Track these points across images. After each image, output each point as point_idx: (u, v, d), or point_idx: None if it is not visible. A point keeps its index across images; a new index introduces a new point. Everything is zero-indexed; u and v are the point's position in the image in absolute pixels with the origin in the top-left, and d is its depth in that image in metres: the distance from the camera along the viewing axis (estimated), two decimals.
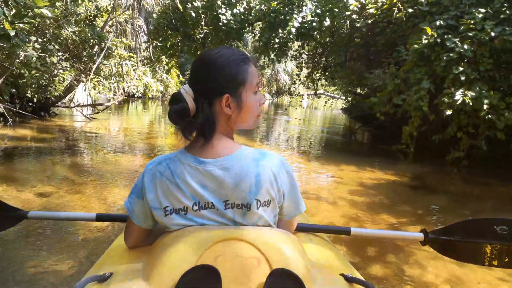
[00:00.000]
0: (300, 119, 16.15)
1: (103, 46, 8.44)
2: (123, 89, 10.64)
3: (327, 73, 11.17)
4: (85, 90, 9.18)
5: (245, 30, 10.12)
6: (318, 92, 48.62)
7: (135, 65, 19.53)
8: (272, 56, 9.76)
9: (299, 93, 14.16)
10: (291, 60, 12.26)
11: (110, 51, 8.92)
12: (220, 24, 9.72)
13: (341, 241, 3.07)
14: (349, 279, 1.06)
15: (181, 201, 1.06)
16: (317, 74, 12.03)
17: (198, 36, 11.27)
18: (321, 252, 1.35)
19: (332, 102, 26.60)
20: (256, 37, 10.55)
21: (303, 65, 12.39)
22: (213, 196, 1.06)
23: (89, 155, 6.29)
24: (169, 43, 10.98)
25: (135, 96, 20.05)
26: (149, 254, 1.07)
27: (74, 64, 8.66)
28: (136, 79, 19.53)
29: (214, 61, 1.08)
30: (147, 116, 14.80)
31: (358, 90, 15.78)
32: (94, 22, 8.68)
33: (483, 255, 1.54)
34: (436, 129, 6.94)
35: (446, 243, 1.58)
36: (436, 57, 6.58)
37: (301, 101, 45.33)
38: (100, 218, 1.55)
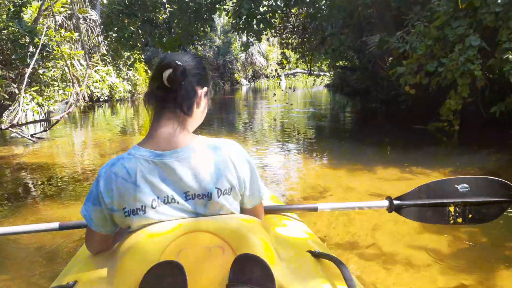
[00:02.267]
0: (291, 103, 14.35)
1: (37, 44, 6.42)
2: (76, 95, 8.55)
3: (324, 46, 9.28)
4: (18, 104, 7.02)
5: (219, 5, 8.21)
6: (295, 70, 47.19)
7: (95, 65, 17.42)
8: (254, 29, 7.84)
9: (277, 74, 12.27)
10: (274, 36, 10.41)
11: (49, 50, 6.89)
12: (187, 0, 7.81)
13: (312, 218, 3.04)
14: (316, 255, 1.12)
15: (139, 199, 1.03)
16: (307, 49, 10.21)
17: (161, 19, 9.32)
18: (289, 231, 1.39)
19: (314, 80, 25.10)
20: (232, 13, 8.61)
21: (290, 40, 10.57)
22: (173, 188, 1.04)
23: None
24: (127, 33, 8.99)
25: (101, 100, 17.84)
26: (113, 258, 1.05)
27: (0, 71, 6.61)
28: (100, 80, 17.39)
29: (200, 59, 1.17)
30: (117, 121, 12.83)
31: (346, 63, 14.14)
32: (22, 14, 6.61)
33: (448, 214, 1.57)
34: (490, 99, 5.30)
35: (410, 208, 1.60)
36: (483, 3, 4.88)
37: (279, 83, 43.94)
38: (63, 227, 1.54)
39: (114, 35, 9.01)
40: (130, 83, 19.43)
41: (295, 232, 1.39)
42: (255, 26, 7.85)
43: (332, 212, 3.15)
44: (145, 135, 1.12)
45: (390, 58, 10.34)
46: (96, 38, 14.42)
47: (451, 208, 1.57)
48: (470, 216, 1.58)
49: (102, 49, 14.54)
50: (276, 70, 12.33)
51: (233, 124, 10.51)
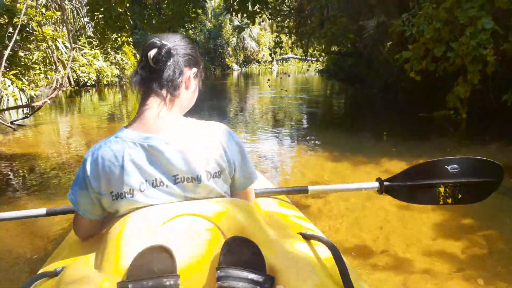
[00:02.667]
0: (285, 90, 13.94)
1: (17, 24, 5.93)
2: (59, 80, 8.06)
3: (323, 29, 8.83)
4: None
5: None
6: (287, 56, 46.22)
7: (81, 49, 16.79)
8: (249, 9, 7.37)
9: (272, 58, 11.79)
10: (269, 19, 9.97)
11: (30, 31, 6.39)
12: None
13: (302, 200, 3.07)
14: (307, 236, 1.10)
15: (127, 183, 1.00)
16: (304, 32, 9.80)
17: (150, 1, 8.85)
18: (280, 213, 1.40)
19: (309, 65, 24.62)
20: None
21: (286, 23, 10.13)
22: (161, 172, 1.01)
23: None
24: (114, 14, 8.49)
25: (88, 85, 17.24)
26: (101, 243, 1.01)
27: None
28: (87, 64, 16.79)
29: (189, 40, 1.13)
30: (105, 106, 12.34)
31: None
32: None
33: (438, 195, 1.57)
34: (500, 86, 5.02)
35: (401, 189, 1.60)
36: None
37: (271, 68, 43.34)
38: (51, 212, 1.51)
39: (100, 16, 8.50)
40: (118, 67, 18.84)
41: (286, 215, 1.39)
42: (249, 6, 7.42)
43: (324, 195, 3.18)
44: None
45: (389, 43, 10.03)
46: (82, 19, 13.80)
47: (441, 189, 1.57)
48: (459, 196, 1.58)
49: (89, 31, 13.93)
50: (270, 55, 11.76)
51: (225, 111, 10.13)
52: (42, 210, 1.51)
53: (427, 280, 2.11)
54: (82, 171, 1.06)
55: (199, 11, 9.06)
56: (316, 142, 5.80)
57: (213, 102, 12.03)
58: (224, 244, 0.90)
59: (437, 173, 1.58)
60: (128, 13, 8.85)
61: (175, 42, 1.09)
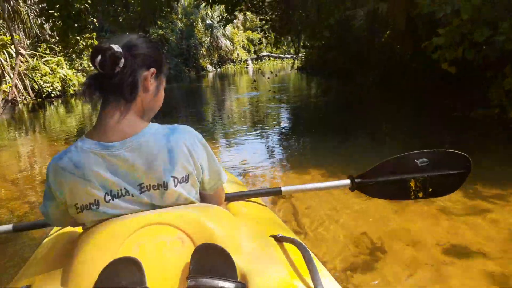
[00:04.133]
0: (273, 91, 12.89)
1: None
2: (6, 92, 6.74)
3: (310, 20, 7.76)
4: None
5: None
6: (262, 54, 45.30)
7: (43, 56, 15.26)
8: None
9: (256, 54, 10.70)
10: (252, 11, 8.88)
11: None
12: None
13: (276, 202, 3.08)
14: (279, 239, 1.11)
15: (91, 194, 0.97)
16: (291, 26, 8.71)
17: None
18: (252, 217, 1.39)
19: (293, 62, 23.70)
20: None
21: (269, 16, 9.03)
22: (126, 181, 0.98)
23: None
24: (73, 10, 7.21)
25: (52, 96, 15.69)
26: (68, 258, 0.99)
27: None
28: (50, 73, 15.25)
29: (148, 39, 1.09)
30: (73, 119, 11.01)
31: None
32: None
33: (409, 189, 1.59)
34: None
35: (372, 185, 1.62)
36: None
37: (246, 67, 42.44)
38: (18, 228, 1.49)
39: (56, 14, 7.21)
40: (85, 74, 17.33)
41: (258, 217, 1.39)
42: None
43: (297, 195, 3.16)
44: None
45: (388, 32, 9.11)
46: (40, 21, 12.34)
47: (412, 183, 1.59)
48: (430, 189, 1.60)
49: (45, 34, 12.48)
50: (255, 52, 10.68)
51: (202, 117, 9.03)
52: (9, 227, 1.48)
53: (403, 278, 2.07)
54: (47, 184, 1.03)
55: (175, 3, 7.86)
56: (300, 150, 5.44)
57: (190, 108, 10.97)
58: (194, 252, 0.88)
59: (407, 168, 1.58)
60: (90, 10, 7.59)
61: (129, 42, 1.03)
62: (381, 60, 8.86)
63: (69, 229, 1.36)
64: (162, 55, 1.13)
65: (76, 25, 7.49)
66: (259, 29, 9.85)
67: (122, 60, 0.98)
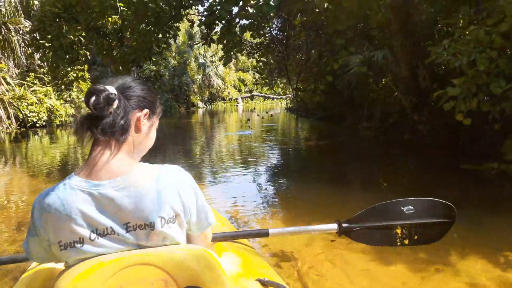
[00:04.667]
0: (267, 130, 12.64)
1: None
2: None
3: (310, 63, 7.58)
4: None
5: (187, 9, 6.38)
6: (253, 94, 45.98)
7: (32, 85, 14.89)
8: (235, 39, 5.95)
9: (255, 89, 10.48)
10: (250, 52, 8.72)
11: None
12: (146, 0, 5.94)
13: (263, 243, 3.08)
14: (265, 283, 1.12)
15: (75, 232, 0.96)
16: (289, 66, 8.54)
17: (109, 28, 7.39)
18: (240, 259, 1.39)
19: (287, 104, 23.70)
20: (203, 20, 6.79)
21: (266, 58, 8.88)
22: (112, 220, 0.97)
23: None
24: (65, 42, 6.93)
25: (37, 125, 15.19)
26: None
27: None
28: (37, 103, 14.83)
29: (143, 81, 1.12)
30: (56, 150, 10.45)
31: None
32: None
33: (395, 236, 1.60)
34: None
35: (359, 230, 1.62)
36: None
37: (236, 105, 42.63)
38: None
39: (47, 45, 6.92)
40: (73, 105, 16.94)
41: (245, 260, 1.38)
42: (238, 33, 6.09)
43: (285, 238, 3.15)
44: None
45: (386, 79, 9.00)
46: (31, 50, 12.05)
47: (398, 230, 1.60)
48: (416, 237, 1.60)
49: (35, 64, 12.16)
50: (251, 91, 10.41)
51: (191, 155, 8.63)
52: None
53: None
54: (32, 220, 1.01)
55: (171, 40, 7.65)
56: (291, 192, 5.25)
57: (179, 145, 10.59)
58: None
59: (394, 215, 1.60)
60: (83, 42, 7.32)
61: (124, 84, 1.05)
62: (379, 106, 8.67)
63: (49, 265, 1.33)
64: (156, 96, 1.14)
65: (67, 56, 7.19)
66: (253, 70, 9.67)
67: (116, 101, 0.99)
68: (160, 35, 7.36)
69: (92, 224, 0.96)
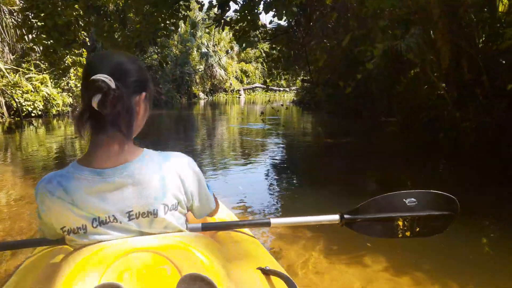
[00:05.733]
0: (283, 126, 11.95)
1: None
2: None
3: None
4: None
5: None
6: (254, 85, 45.64)
7: (27, 72, 14.04)
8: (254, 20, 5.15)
9: (272, 79, 9.79)
10: (264, 41, 7.91)
11: None
12: None
13: (265, 233, 3.11)
14: (266, 272, 1.11)
15: (78, 219, 0.97)
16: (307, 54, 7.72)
17: (111, 7, 6.59)
18: (241, 248, 1.39)
19: (295, 96, 22.97)
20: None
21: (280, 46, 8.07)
22: (115, 208, 0.98)
23: None
24: (61, 21, 6.11)
25: (32, 115, 14.33)
26: (50, 281, 0.95)
27: None
28: (32, 91, 13.98)
29: (135, 58, 1.06)
30: (53, 141, 9.70)
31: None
32: None
33: (396, 228, 1.60)
34: None
35: (361, 222, 1.62)
36: None
37: (238, 97, 41.90)
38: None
39: (39, 24, 6.10)
40: (71, 94, 16.10)
41: (246, 249, 1.39)
42: (261, 10, 5.25)
43: (287, 227, 3.07)
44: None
45: (414, 70, 8.18)
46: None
47: (400, 222, 1.60)
48: (417, 229, 1.60)
49: (25, 47, 11.31)
50: (265, 82, 9.67)
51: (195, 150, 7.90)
52: None
53: None
54: (37, 202, 1.02)
55: (184, 18, 6.82)
56: (295, 183, 5.25)
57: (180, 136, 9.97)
58: (179, 282, 0.84)
59: (396, 207, 1.59)
60: (81, 23, 6.50)
61: (120, 70, 0.98)
62: (407, 100, 7.87)
63: (52, 249, 1.34)
64: (147, 73, 1.09)
65: (63, 38, 6.37)
66: (264, 60, 8.89)
67: (118, 95, 0.95)
68: (168, 15, 6.54)
69: (94, 212, 0.96)
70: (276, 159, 6.94)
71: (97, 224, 0.96)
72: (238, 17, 5.08)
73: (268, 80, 9.81)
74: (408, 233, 1.60)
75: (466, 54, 5.37)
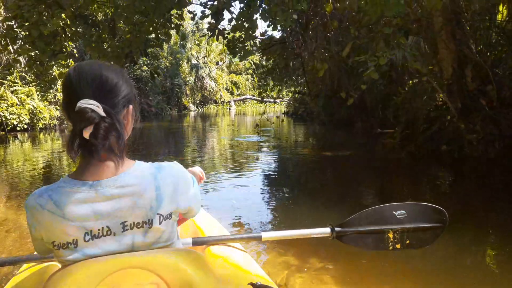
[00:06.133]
0: (279, 138, 11.74)
1: None
2: None
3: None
4: None
5: None
6: (244, 96, 45.59)
7: (12, 85, 13.64)
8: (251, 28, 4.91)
9: (263, 92, 9.51)
10: (259, 52, 7.70)
11: None
12: None
13: (256, 247, 3.11)
14: (257, 287, 1.09)
15: (69, 233, 0.93)
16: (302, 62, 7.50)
17: (99, 17, 6.32)
18: (232, 263, 1.39)
19: (287, 108, 22.84)
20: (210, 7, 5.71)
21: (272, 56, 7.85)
22: (109, 220, 0.95)
23: None
24: (46, 31, 5.79)
25: (18, 129, 13.87)
26: None
27: None
28: (18, 104, 13.56)
29: (118, 70, 1.03)
30: (39, 156, 9.31)
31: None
32: None
33: (387, 240, 1.61)
34: None
35: (351, 234, 1.63)
36: None
37: (229, 109, 41.77)
38: None
39: (23, 33, 5.78)
40: (58, 107, 15.70)
41: (238, 264, 1.38)
42: (259, 18, 5.00)
43: (278, 240, 3.01)
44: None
45: (412, 80, 8.00)
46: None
47: (390, 234, 1.59)
48: (407, 241, 1.60)
49: (10, 59, 10.92)
50: (259, 94, 9.44)
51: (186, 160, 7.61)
52: None
53: None
54: (27, 218, 1.00)
55: (179, 25, 6.54)
56: (286, 196, 5.16)
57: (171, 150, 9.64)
58: None
59: (386, 219, 1.59)
60: (68, 33, 6.19)
61: (105, 88, 0.95)
62: (405, 111, 7.68)
63: (39, 267, 1.33)
64: (131, 82, 1.05)
65: (48, 48, 6.05)
66: (256, 72, 8.67)
67: (107, 119, 0.93)
68: (159, 25, 6.27)
69: (86, 226, 0.93)
70: (269, 172, 6.86)
71: (89, 238, 0.94)
72: (234, 25, 4.86)
73: (260, 92, 9.57)
74: (398, 246, 1.61)
75: (470, 62, 5.19)
